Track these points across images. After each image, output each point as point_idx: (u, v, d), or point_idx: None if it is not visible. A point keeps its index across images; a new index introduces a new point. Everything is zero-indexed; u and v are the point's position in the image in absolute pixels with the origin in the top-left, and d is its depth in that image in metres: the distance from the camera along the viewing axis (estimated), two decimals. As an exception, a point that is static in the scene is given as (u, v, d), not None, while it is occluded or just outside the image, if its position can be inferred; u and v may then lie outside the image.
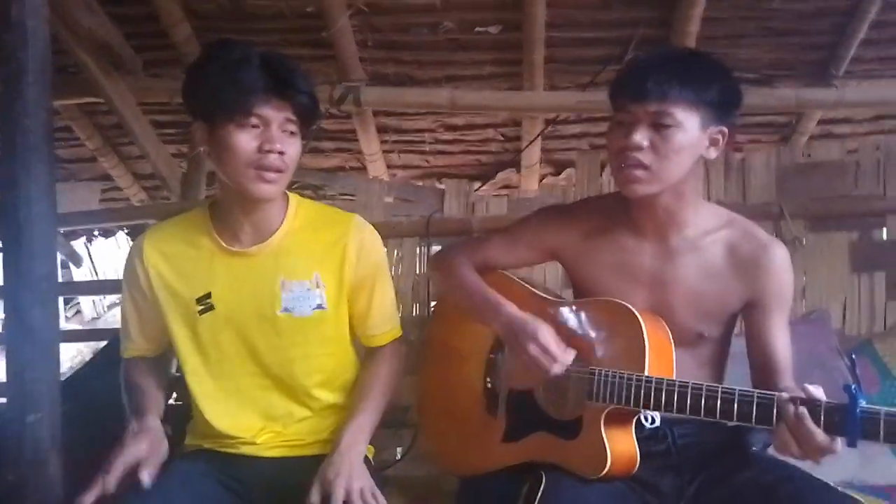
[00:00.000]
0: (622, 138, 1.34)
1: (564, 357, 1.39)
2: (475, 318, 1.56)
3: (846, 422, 1.11)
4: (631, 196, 1.38)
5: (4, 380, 1.52)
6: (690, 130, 1.33)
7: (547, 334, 1.40)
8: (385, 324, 1.61)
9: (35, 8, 1.42)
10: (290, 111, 1.40)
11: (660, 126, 1.31)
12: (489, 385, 1.58)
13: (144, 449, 1.38)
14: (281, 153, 1.39)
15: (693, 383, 1.26)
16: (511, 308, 1.47)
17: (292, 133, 1.43)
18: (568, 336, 1.43)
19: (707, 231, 1.43)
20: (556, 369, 1.38)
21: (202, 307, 1.49)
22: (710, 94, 1.33)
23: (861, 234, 2.37)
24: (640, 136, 1.32)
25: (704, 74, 1.34)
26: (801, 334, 2.26)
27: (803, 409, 1.15)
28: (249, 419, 1.53)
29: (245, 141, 1.38)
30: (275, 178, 1.41)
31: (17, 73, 1.42)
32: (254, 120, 1.38)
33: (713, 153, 1.38)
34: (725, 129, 1.37)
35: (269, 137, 1.38)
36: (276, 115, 1.39)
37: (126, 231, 4.03)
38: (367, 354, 1.64)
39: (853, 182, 2.37)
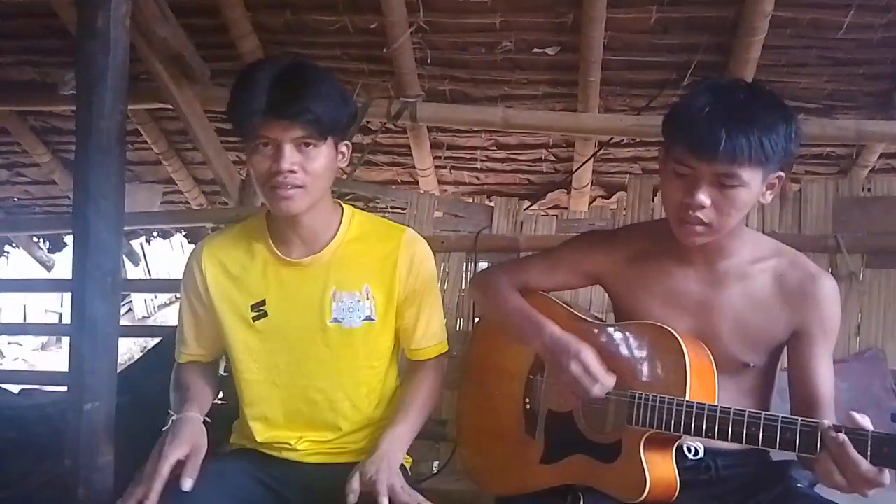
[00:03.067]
0: (681, 192, 1.30)
1: (606, 380, 1.38)
2: (517, 337, 1.55)
3: (894, 453, 1.08)
4: (691, 245, 1.37)
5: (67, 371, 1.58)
6: (754, 187, 1.29)
7: (590, 355, 1.39)
8: (431, 338, 1.61)
9: (118, 18, 1.49)
10: (298, 129, 1.36)
11: (724, 186, 1.27)
12: (528, 406, 1.58)
13: (185, 451, 1.36)
14: (292, 171, 1.37)
15: (735, 409, 1.24)
16: (554, 328, 1.46)
17: (311, 145, 1.39)
18: (608, 359, 1.42)
19: (755, 260, 1.42)
20: (597, 391, 1.37)
21: (256, 314, 1.51)
22: (778, 147, 1.26)
23: (920, 272, 2.30)
24: (704, 196, 1.28)
25: (772, 123, 1.26)
26: (855, 372, 2.21)
27: (844, 437, 1.12)
28: (292, 430, 1.55)
29: (258, 162, 1.39)
30: (291, 193, 1.39)
31: (98, 77, 1.50)
32: (262, 140, 1.37)
33: (769, 197, 1.35)
34: (783, 175, 1.34)
35: (276, 157, 1.37)
36: (283, 135, 1.36)
37: (184, 233, 4.16)
38: (410, 367, 1.64)
39: (914, 218, 2.30)
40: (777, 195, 2.30)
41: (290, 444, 1.55)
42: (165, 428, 1.41)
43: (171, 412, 1.46)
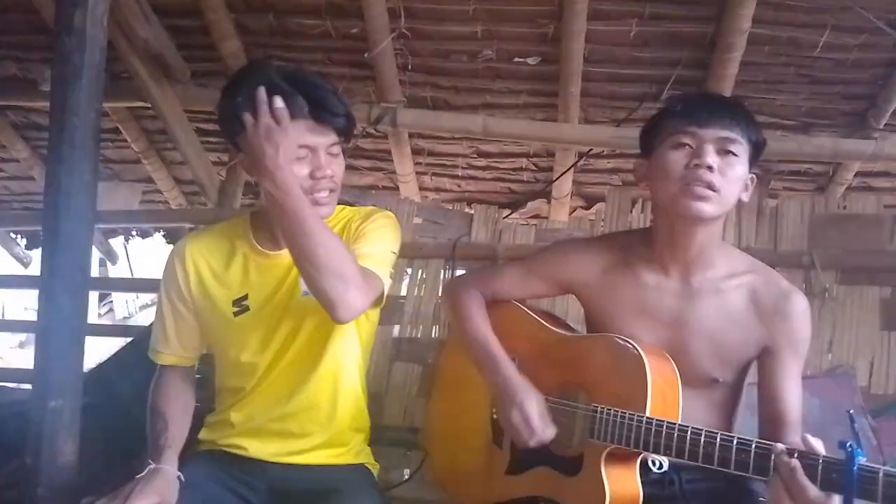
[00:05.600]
0: (685, 158, 1.34)
1: (543, 434, 1.39)
2: (473, 364, 1.55)
3: (843, 479, 1.07)
4: (696, 216, 1.33)
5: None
6: (743, 164, 1.36)
7: (533, 407, 1.40)
8: (363, 260, 1.46)
9: (96, 17, 1.52)
10: (333, 136, 1.43)
11: (725, 152, 1.33)
12: (495, 416, 1.57)
13: (152, 501, 1.34)
14: (331, 177, 1.43)
15: (693, 428, 1.23)
16: (508, 370, 1.46)
17: (336, 154, 1.46)
18: (574, 371, 1.43)
19: (730, 275, 1.42)
20: (532, 443, 1.39)
21: (238, 309, 1.51)
22: (757, 135, 1.38)
23: (894, 290, 2.30)
24: (712, 158, 1.32)
25: (750, 116, 1.39)
26: (825, 388, 2.22)
27: (796, 462, 1.11)
28: (268, 428, 1.54)
29: (297, 170, 1.37)
30: (328, 200, 1.44)
31: (72, 74, 1.51)
32: (301, 151, 1.39)
33: (745, 197, 1.39)
34: (754, 176, 1.41)
35: (318, 164, 1.41)
36: (321, 142, 1.41)
37: (162, 233, 4.13)
38: None
39: (889, 237, 2.31)
40: (755, 205, 2.38)
41: (261, 443, 1.54)
42: (140, 475, 1.39)
43: (149, 461, 1.43)
